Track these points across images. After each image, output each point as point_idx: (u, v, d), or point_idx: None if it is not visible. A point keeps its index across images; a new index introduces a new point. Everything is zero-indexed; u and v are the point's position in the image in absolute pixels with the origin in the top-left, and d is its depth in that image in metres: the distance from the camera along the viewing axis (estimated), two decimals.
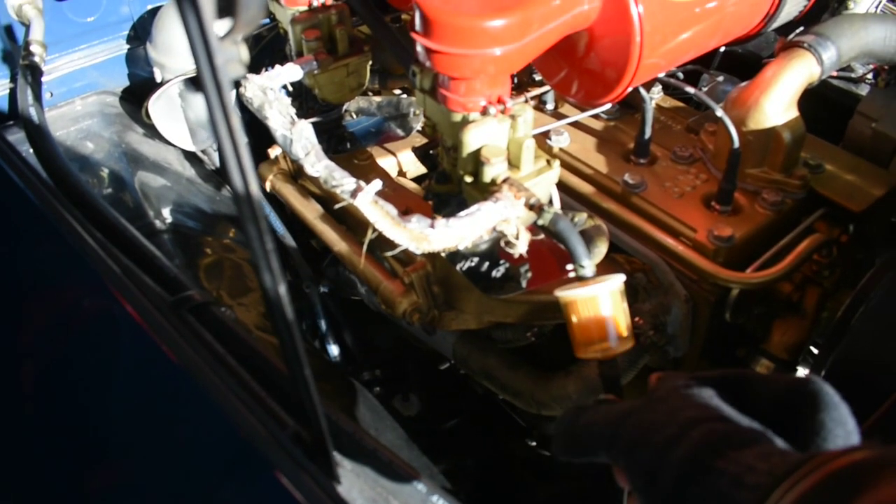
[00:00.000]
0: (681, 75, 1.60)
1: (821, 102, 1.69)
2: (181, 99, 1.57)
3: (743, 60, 1.82)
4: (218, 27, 0.49)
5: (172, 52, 1.56)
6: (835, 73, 1.73)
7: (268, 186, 1.60)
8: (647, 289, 1.30)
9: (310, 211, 1.53)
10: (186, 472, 0.83)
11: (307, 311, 1.64)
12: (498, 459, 1.68)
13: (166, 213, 1.46)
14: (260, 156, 1.65)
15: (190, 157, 1.70)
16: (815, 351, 1.41)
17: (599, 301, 0.91)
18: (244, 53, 1.23)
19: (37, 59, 1.49)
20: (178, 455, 0.85)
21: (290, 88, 1.42)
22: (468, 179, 1.08)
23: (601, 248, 1.19)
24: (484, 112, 1.06)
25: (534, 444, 1.66)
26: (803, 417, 0.59)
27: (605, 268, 1.19)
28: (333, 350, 1.65)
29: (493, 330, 1.44)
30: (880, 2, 1.88)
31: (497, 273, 1.26)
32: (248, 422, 0.79)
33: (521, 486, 1.69)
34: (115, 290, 0.87)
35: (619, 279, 0.93)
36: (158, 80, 1.61)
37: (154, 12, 1.76)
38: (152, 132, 1.62)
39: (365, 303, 1.67)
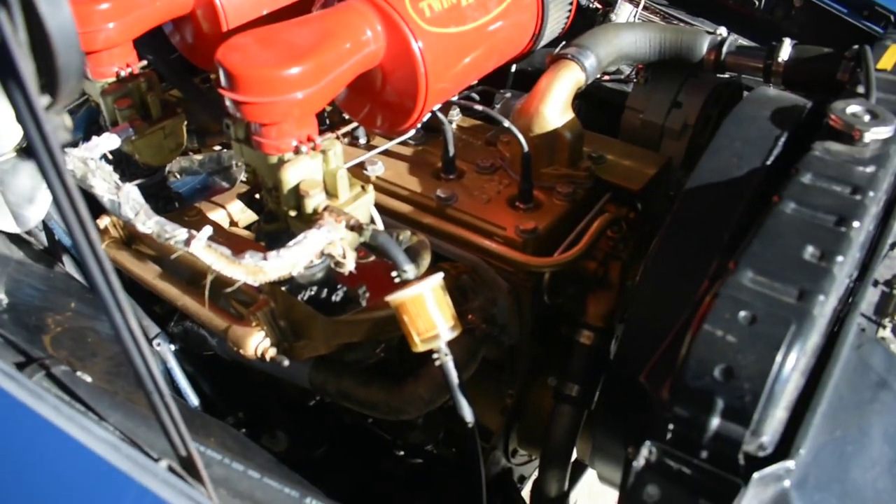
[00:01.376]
0: (475, 96, 1.78)
1: (598, 103, 1.93)
2: None
3: (533, 77, 2.03)
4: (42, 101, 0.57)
5: None
6: (608, 77, 1.98)
7: None
8: (473, 288, 1.44)
9: (148, 272, 1.56)
10: None
11: (161, 370, 1.67)
12: (371, 477, 1.77)
13: (1, 296, 1.45)
14: None
15: (15, 239, 1.69)
16: None
17: (424, 297, 1.04)
18: (68, 121, 1.27)
19: None
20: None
21: (110, 157, 1.47)
22: (292, 213, 1.19)
23: (426, 259, 1.31)
24: (297, 151, 1.17)
25: (401, 453, 1.76)
26: None
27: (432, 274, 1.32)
28: (194, 401, 1.68)
29: (344, 353, 1.53)
30: (636, 11, 2.16)
31: (337, 297, 1.36)
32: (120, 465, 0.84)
33: (396, 499, 1.78)
34: None
35: (437, 276, 1.06)
36: None
37: None
38: None
39: (219, 354, 1.72)
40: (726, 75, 1.72)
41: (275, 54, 1.11)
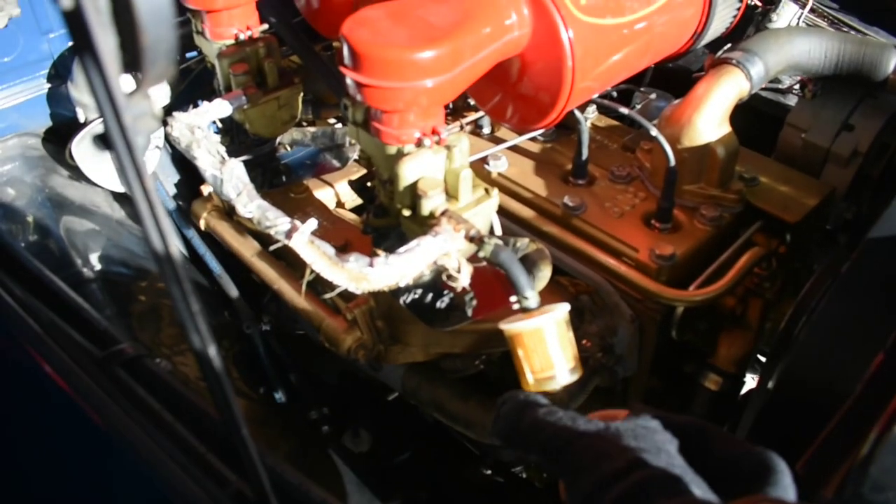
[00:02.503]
0: (614, 94, 1.61)
1: (751, 114, 1.72)
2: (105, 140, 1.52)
3: (674, 75, 1.84)
4: (126, 82, 0.46)
5: None
6: (766, 85, 1.77)
7: (202, 225, 1.55)
8: (592, 311, 1.30)
9: (247, 248, 1.48)
10: None
11: (249, 353, 1.59)
12: (453, 490, 1.66)
13: (94, 259, 1.40)
14: (193, 192, 1.61)
15: (119, 197, 1.64)
16: (763, 360, 1.43)
17: (545, 332, 0.90)
18: (156, 107, 1.19)
19: None
20: None
21: (220, 125, 1.38)
22: (406, 213, 1.06)
23: (544, 273, 1.17)
24: (418, 144, 1.04)
25: (489, 472, 1.64)
26: (753, 485, 0.60)
27: (549, 291, 1.18)
28: (279, 393, 1.60)
29: (442, 360, 1.41)
30: (801, 13, 1.93)
31: (441, 304, 1.23)
32: (185, 484, 0.75)
33: None
34: (34, 349, 0.82)
35: (563, 308, 0.92)
36: (81, 120, 1.55)
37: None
38: (78, 174, 1.56)
39: (310, 336, 1.63)
40: None
41: (407, 34, 0.98)
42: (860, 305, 0.96)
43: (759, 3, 2.05)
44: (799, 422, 0.91)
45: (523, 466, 1.65)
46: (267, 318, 1.69)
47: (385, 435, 1.69)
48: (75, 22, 0.41)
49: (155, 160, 1.55)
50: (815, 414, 0.89)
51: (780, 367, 1.07)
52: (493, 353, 1.40)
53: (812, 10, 1.96)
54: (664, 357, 1.35)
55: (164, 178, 1.66)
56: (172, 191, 1.68)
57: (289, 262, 1.47)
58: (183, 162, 1.70)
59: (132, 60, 0.44)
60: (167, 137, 1.25)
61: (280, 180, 1.60)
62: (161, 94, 1.49)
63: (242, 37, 1.39)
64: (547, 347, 0.90)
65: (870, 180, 1.48)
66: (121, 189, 1.60)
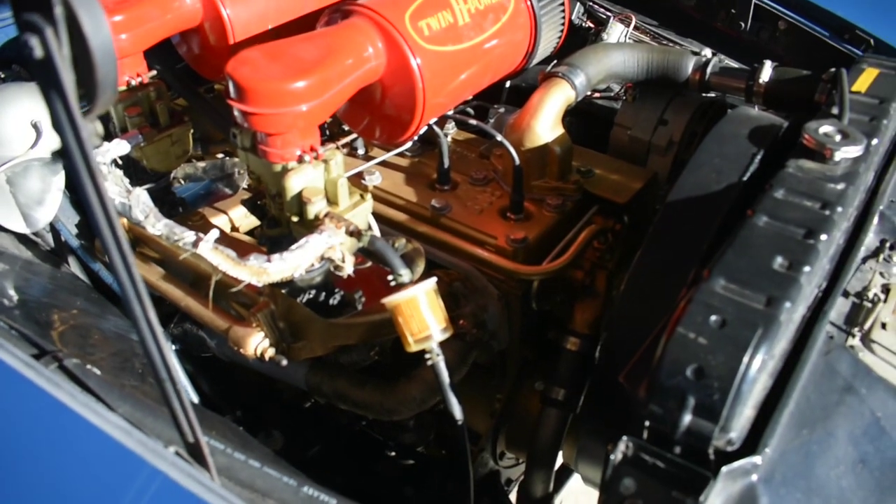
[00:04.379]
0: (470, 111, 1.85)
1: (590, 119, 2.00)
2: (10, 185, 1.63)
3: (526, 92, 2.10)
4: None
5: None
6: (598, 94, 2.06)
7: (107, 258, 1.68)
8: (465, 294, 1.51)
9: (152, 274, 1.62)
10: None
11: None
12: (363, 476, 1.83)
13: (10, 291, 1.51)
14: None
15: (24, 239, 1.75)
16: None
17: (418, 300, 1.10)
18: (99, 128, 1.34)
19: None
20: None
21: (119, 162, 1.53)
22: (295, 219, 1.25)
23: (420, 266, 1.38)
24: (300, 160, 1.23)
25: (393, 454, 1.82)
26: None
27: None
28: (194, 398, 1.73)
29: (340, 355, 1.59)
30: (627, 31, 2.24)
31: (334, 300, 1.42)
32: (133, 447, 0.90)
33: (387, 498, 1.83)
34: None
35: (431, 280, 1.12)
36: None
37: None
38: None
39: (217, 355, 1.78)
40: (711, 94, 1.80)
41: (282, 68, 1.18)
42: (664, 256, 1.22)
43: (591, 25, 2.36)
44: (625, 352, 1.14)
45: (424, 446, 1.85)
46: (175, 341, 1.82)
47: (296, 434, 1.85)
48: (45, 67, 0.59)
49: (57, 203, 1.67)
50: (636, 345, 1.12)
51: (609, 313, 1.31)
52: (385, 343, 1.59)
53: (636, 28, 2.28)
54: (531, 328, 1.58)
55: (65, 220, 1.78)
56: (74, 231, 1.80)
57: (192, 282, 1.62)
58: (81, 204, 1.82)
59: (87, 93, 0.62)
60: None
61: (177, 211, 1.75)
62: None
63: (134, 83, 1.55)
64: (421, 312, 1.11)
65: (685, 165, 1.77)
66: (26, 231, 1.71)
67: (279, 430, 1.83)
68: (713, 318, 0.92)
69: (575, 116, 1.96)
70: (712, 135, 1.33)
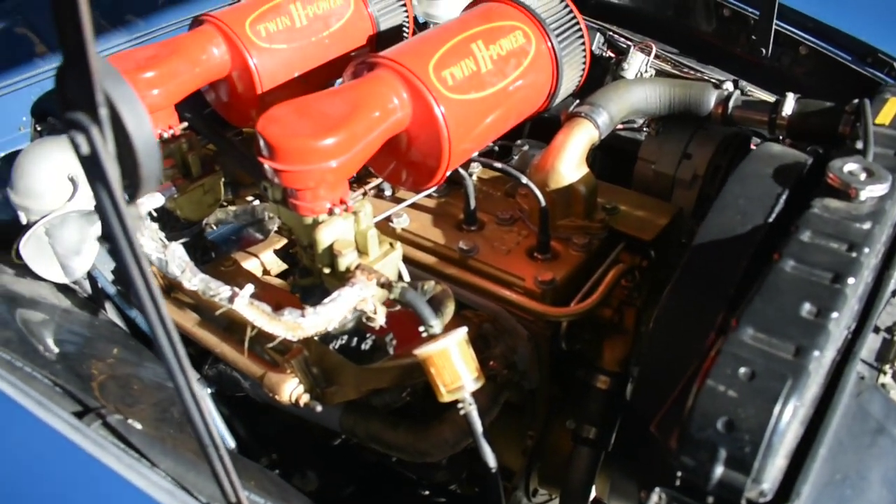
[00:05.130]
0: (496, 149, 1.88)
1: (613, 151, 2.02)
2: (49, 237, 1.68)
3: (549, 123, 2.12)
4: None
5: (35, 195, 1.67)
6: (622, 126, 2.07)
7: None
8: (494, 336, 1.52)
9: (187, 320, 1.66)
10: None
11: None
12: None
13: (51, 343, 1.55)
14: None
15: (62, 288, 1.80)
16: None
17: (449, 351, 1.12)
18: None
19: None
20: None
21: (154, 214, 1.57)
22: (326, 271, 1.28)
23: (450, 308, 1.40)
24: (330, 213, 1.26)
25: (426, 492, 1.83)
26: None
27: (455, 323, 1.40)
28: (230, 443, 1.76)
29: (373, 397, 1.61)
30: (648, 60, 2.26)
31: (366, 345, 1.45)
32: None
33: None
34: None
35: (462, 331, 1.14)
36: (24, 222, 1.71)
37: (8, 158, 1.85)
38: (23, 271, 1.71)
39: (251, 396, 1.81)
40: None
41: (310, 126, 1.21)
42: (691, 300, 1.22)
43: (612, 54, 2.38)
44: (655, 394, 1.15)
45: (457, 484, 1.86)
46: (209, 384, 1.86)
47: (330, 475, 1.87)
48: (91, 162, 0.62)
49: (94, 253, 1.71)
50: (666, 388, 1.13)
51: (638, 357, 1.32)
52: (417, 384, 1.61)
53: (656, 56, 2.29)
54: (561, 367, 1.59)
55: (101, 268, 1.82)
56: (110, 277, 1.84)
57: (226, 328, 1.65)
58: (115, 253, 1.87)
59: (130, 183, 0.65)
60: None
61: (209, 256, 1.79)
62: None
63: (166, 135, 1.59)
64: (453, 364, 1.13)
65: (710, 199, 1.77)
66: (65, 280, 1.75)
67: (313, 469, 1.85)
68: (742, 370, 0.93)
69: (599, 149, 1.97)
70: (736, 175, 1.34)
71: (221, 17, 1.70)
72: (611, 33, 2.35)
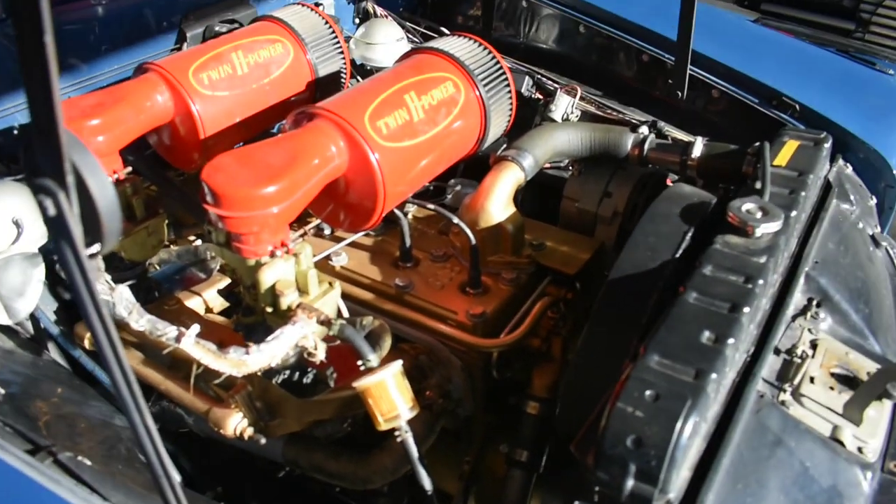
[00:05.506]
0: (431, 188, 1.98)
1: (541, 188, 2.14)
2: None
3: (480, 161, 2.23)
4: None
5: None
6: (549, 165, 2.20)
7: (87, 344, 1.76)
8: (430, 367, 1.61)
9: (132, 359, 1.70)
10: None
11: None
12: None
13: None
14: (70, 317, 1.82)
15: (5, 329, 1.82)
16: None
17: (386, 383, 1.20)
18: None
19: None
20: None
21: (100, 258, 1.62)
22: (269, 310, 1.35)
23: (387, 342, 1.48)
24: (272, 255, 1.34)
25: None
26: None
27: (392, 356, 1.48)
28: (177, 477, 1.80)
29: (315, 429, 1.68)
30: (574, 101, 2.40)
31: (307, 379, 1.52)
32: None
33: None
34: None
35: (397, 364, 1.23)
36: None
37: None
38: None
39: (194, 431, 1.85)
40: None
41: (253, 174, 1.29)
42: (607, 331, 1.34)
43: (540, 96, 2.52)
44: (577, 417, 1.25)
45: None
46: (155, 421, 1.89)
47: None
48: (57, 223, 0.70)
49: (38, 294, 1.75)
50: (587, 411, 1.23)
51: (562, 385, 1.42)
52: (357, 415, 1.68)
53: (582, 98, 2.44)
54: (494, 395, 1.69)
55: (44, 308, 1.85)
56: (53, 317, 1.88)
57: (170, 365, 1.70)
58: (57, 292, 1.91)
59: (93, 239, 0.72)
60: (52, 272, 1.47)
61: (153, 296, 1.84)
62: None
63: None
64: (390, 394, 1.21)
65: (629, 234, 1.90)
66: (8, 322, 1.78)
67: (258, 502, 1.90)
68: (648, 392, 1.04)
69: (528, 186, 2.09)
70: (647, 215, 1.46)
71: (165, 65, 1.77)
72: (539, 76, 2.48)
